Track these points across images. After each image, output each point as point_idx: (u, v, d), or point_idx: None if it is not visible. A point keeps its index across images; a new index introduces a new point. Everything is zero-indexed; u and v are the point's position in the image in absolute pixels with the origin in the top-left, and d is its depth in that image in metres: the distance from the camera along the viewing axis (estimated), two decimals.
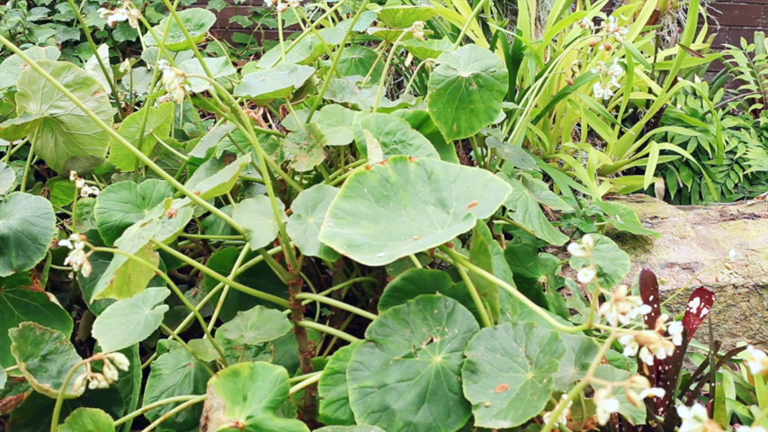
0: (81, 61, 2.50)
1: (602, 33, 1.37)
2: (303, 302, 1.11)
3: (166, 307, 1.09)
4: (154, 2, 2.72)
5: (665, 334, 0.66)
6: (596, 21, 2.12)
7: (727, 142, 2.41)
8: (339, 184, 1.12)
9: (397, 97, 2.30)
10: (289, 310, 1.12)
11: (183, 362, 1.19)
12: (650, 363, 0.68)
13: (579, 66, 1.86)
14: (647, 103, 2.40)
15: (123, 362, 0.90)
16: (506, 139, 1.58)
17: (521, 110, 1.70)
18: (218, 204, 1.47)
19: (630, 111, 2.46)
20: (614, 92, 2.24)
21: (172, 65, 0.99)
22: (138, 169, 1.58)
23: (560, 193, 1.90)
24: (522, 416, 0.85)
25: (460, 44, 1.47)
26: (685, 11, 2.63)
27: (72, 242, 0.91)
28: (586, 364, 0.95)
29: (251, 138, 1.03)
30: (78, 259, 0.91)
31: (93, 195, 1.36)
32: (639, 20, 2.26)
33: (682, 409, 0.56)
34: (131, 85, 1.93)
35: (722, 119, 2.53)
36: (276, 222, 1.03)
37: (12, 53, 1.99)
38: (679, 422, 0.76)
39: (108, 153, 1.60)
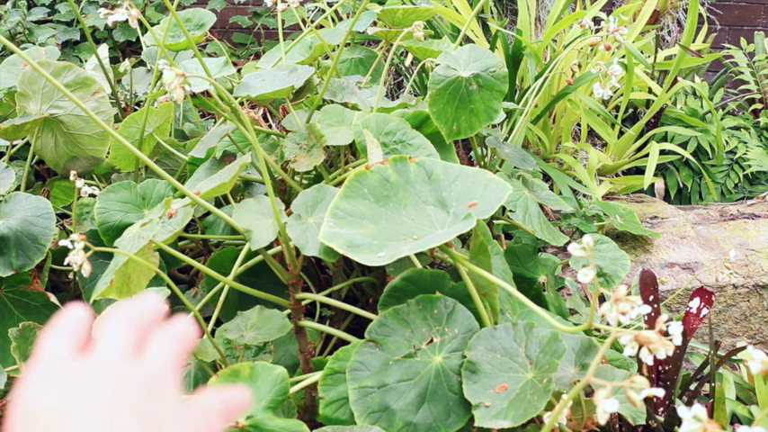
0: (81, 61, 2.50)
1: (602, 33, 1.37)
2: (303, 302, 1.11)
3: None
4: (154, 2, 2.72)
5: (665, 334, 0.66)
6: (596, 21, 2.12)
7: (727, 142, 2.41)
8: (339, 184, 1.12)
9: (397, 97, 2.30)
10: (289, 310, 1.12)
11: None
12: (650, 363, 0.68)
13: (579, 66, 1.86)
14: (647, 103, 2.40)
15: None
16: (506, 139, 1.58)
17: (521, 110, 1.70)
18: (218, 204, 1.47)
19: (630, 111, 2.46)
20: (614, 92, 2.24)
21: (172, 65, 0.99)
22: (138, 169, 1.58)
23: (560, 193, 1.90)
24: (522, 416, 0.85)
25: (460, 44, 1.47)
26: (685, 11, 2.63)
27: (72, 242, 0.91)
28: (586, 364, 0.95)
29: (251, 138, 1.03)
30: (78, 259, 0.91)
31: (93, 195, 1.36)
32: (639, 20, 2.26)
33: (682, 409, 0.56)
34: (131, 85, 1.93)
35: (722, 119, 2.53)
36: (276, 222, 1.03)
37: (12, 53, 1.99)
38: (679, 422, 0.76)
39: (108, 153, 1.60)
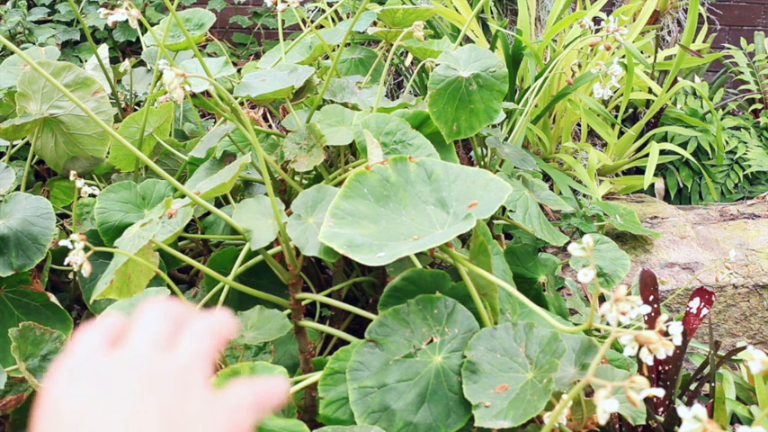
0: (81, 61, 2.50)
1: (602, 33, 1.37)
2: (303, 302, 1.11)
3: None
4: (154, 2, 2.72)
5: (665, 334, 0.66)
6: (596, 21, 2.12)
7: (727, 142, 2.41)
8: (339, 184, 1.12)
9: (397, 97, 2.30)
10: (289, 310, 1.12)
11: None
12: (650, 363, 0.68)
13: (579, 66, 1.86)
14: (647, 103, 2.40)
15: None
16: (506, 139, 1.58)
17: (521, 110, 1.70)
18: (218, 204, 1.47)
19: (630, 111, 2.46)
20: (614, 92, 2.24)
21: (172, 65, 0.99)
22: (138, 169, 1.58)
23: (560, 193, 1.90)
24: (522, 416, 0.85)
25: (460, 44, 1.47)
26: (685, 11, 2.63)
27: (72, 242, 0.91)
28: (586, 364, 0.95)
29: (251, 138, 1.03)
30: (78, 259, 0.91)
31: (93, 195, 1.36)
32: (639, 20, 2.26)
33: (682, 409, 0.56)
34: (131, 85, 1.93)
35: (722, 119, 2.53)
36: (276, 222, 1.03)
37: (12, 53, 1.99)
38: (679, 422, 0.76)
39: (108, 153, 1.60)
